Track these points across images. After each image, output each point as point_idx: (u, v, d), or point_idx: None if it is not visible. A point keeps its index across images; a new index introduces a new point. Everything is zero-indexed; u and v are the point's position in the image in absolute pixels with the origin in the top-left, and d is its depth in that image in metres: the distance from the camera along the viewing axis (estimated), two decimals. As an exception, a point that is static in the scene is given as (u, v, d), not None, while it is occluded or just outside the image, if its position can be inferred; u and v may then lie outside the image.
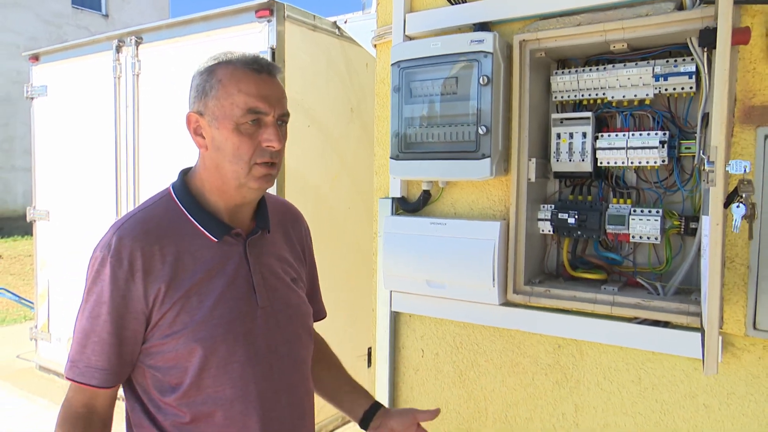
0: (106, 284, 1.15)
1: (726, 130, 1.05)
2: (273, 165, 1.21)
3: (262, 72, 1.20)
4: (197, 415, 1.20)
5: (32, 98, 4.68)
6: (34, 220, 4.75)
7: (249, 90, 1.17)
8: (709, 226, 1.06)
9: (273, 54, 3.19)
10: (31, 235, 4.89)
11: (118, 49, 4.02)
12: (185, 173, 1.30)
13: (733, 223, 1.12)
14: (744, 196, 1.15)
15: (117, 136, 4.07)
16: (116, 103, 4.07)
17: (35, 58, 4.63)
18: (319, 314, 1.55)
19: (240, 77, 1.18)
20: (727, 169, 1.05)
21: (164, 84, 3.80)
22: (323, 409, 3.65)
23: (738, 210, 1.11)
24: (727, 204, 1.16)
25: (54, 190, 4.59)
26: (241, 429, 1.22)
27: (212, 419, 1.20)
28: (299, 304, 1.37)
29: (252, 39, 3.31)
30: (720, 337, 1.42)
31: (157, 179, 3.83)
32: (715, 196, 1.05)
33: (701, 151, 1.60)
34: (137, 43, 3.92)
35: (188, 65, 3.66)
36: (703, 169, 1.06)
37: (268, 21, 3.25)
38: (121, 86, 4.05)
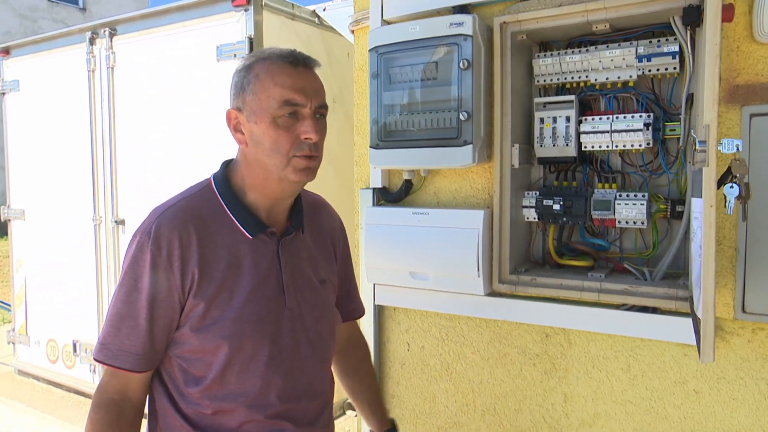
0: (146, 270, 1.16)
1: (717, 107, 1.01)
2: (312, 158, 1.21)
3: (297, 65, 1.20)
4: (219, 410, 1.21)
5: (3, 93, 4.56)
6: (9, 220, 4.64)
7: (284, 82, 1.17)
8: (702, 209, 1.02)
9: (251, 43, 3.12)
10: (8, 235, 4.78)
11: (92, 42, 3.92)
12: (227, 165, 1.30)
13: (727, 204, 1.09)
14: (738, 176, 1.11)
15: (93, 131, 3.98)
16: (91, 97, 3.97)
17: (5, 51, 4.51)
18: (356, 312, 1.57)
19: (275, 70, 1.18)
20: (719, 148, 1.01)
21: (140, 76, 3.71)
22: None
23: (731, 191, 1.07)
24: (719, 185, 1.12)
25: (29, 188, 4.48)
26: (262, 427, 1.23)
27: (233, 415, 1.22)
28: (325, 307, 1.37)
29: (229, 29, 3.24)
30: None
31: (135, 174, 3.74)
32: (708, 177, 1.01)
33: (686, 133, 1.57)
34: (111, 35, 3.82)
35: (164, 57, 3.57)
36: (695, 149, 1.02)
37: (245, 10, 3.17)
38: (95, 79, 3.95)
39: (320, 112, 1.22)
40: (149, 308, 1.17)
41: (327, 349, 1.38)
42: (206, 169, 1.33)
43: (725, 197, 1.12)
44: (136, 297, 1.17)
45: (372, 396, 1.60)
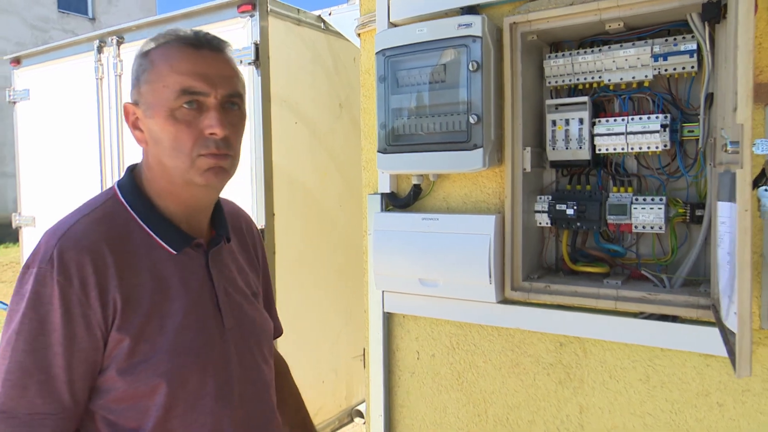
0: (54, 308, 0.93)
1: (751, 105, 0.95)
2: (222, 156, 1.01)
3: (201, 47, 1.01)
4: None
5: (15, 102, 4.57)
6: (20, 227, 4.65)
7: (182, 68, 0.98)
8: (731, 213, 0.96)
9: (257, 49, 3.09)
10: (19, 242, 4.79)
11: (100, 50, 3.91)
12: (133, 169, 1.10)
13: (761, 208, 1.02)
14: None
15: (101, 139, 3.97)
16: (99, 105, 3.96)
17: (17, 61, 4.52)
18: (277, 331, 1.36)
19: (173, 55, 1.00)
20: (753, 149, 0.95)
21: (147, 84, 3.70)
22: (322, 410, 3.56)
23: (766, 194, 1.01)
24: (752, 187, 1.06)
25: (39, 195, 4.48)
26: None
27: None
28: (264, 322, 1.21)
29: (235, 35, 3.21)
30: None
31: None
32: (743, 179, 0.94)
33: (706, 134, 1.51)
34: (119, 43, 3.81)
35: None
36: (726, 150, 0.96)
37: (251, 16, 3.15)
38: (103, 87, 3.94)
39: (231, 101, 1.03)
40: (66, 354, 0.93)
41: (270, 368, 1.21)
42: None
43: (758, 200, 1.06)
44: (45, 343, 0.93)
45: (300, 419, 1.38)
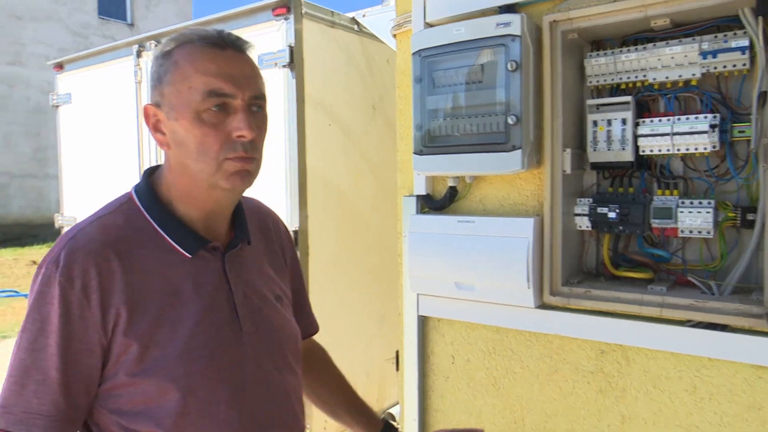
0: (54, 309, 0.93)
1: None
2: (248, 159, 1.00)
3: (225, 48, 0.99)
4: None
5: (57, 106, 4.71)
6: (63, 227, 4.78)
7: (208, 69, 0.96)
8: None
9: (291, 52, 3.11)
10: (60, 242, 4.93)
11: (139, 54, 4.00)
12: (150, 173, 1.10)
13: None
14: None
15: (139, 140, 4.06)
16: (138, 108, 4.05)
17: (59, 66, 4.66)
18: (311, 328, 1.36)
19: (198, 55, 0.98)
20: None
21: (184, 87, 3.75)
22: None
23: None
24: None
25: (80, 196, 4.61)
26: None
27: None
28: (286, 326, 1.18)
29: (270, 38, 3.24)
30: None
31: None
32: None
33: (759, 134, 1.45)
34: (157, 48, 3.89)
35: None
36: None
37: (285, 19, 3.17)
38: (141, 91, 4.03)
39: (256, 103, 1.02)
40: (62, 356, 0.93)
41: (295, 376, 1.18)
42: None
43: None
44: (44, 343, 0.94)
45: (348, 397, 1.37)
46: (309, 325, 1.35)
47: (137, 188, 1.08)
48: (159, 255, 1.01)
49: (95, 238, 0.98)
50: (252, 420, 1.05)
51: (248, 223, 1.17)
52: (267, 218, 1.28)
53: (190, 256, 1.03)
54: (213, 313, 1.03)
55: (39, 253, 11.93)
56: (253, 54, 1.07)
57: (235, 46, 1.01)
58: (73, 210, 4.69)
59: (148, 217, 1.03)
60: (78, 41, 15.10)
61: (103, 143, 4.36)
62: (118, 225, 1.01)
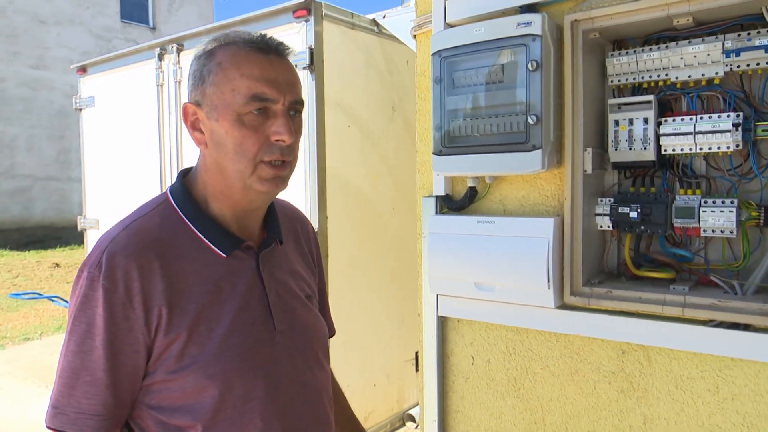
0: (99, 312, 0.96)
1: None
2: (283, 165, 1.03)
3: (269, 52, 1.02)
4: None
5: (80, 109, 4.79)
6: (85, 229, 4.85)
7: (253, 73, 0.99)
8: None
9: (311, 54, 3.14)
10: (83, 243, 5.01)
11: (161, 57, 4.06)
12: (185, 174, 1.13)
13: None
14: None
15: (161, 143, 4.11)
16: (159, 111, 4.11)
17: (83, 70, 4.74)
18: (329, 331, 1.36)
19: (242, 59, 1.00)
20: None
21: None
22: (373, 414, 3.56)
23: None
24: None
25: (103, 198, 4.68)
26: None
27: None
28: (317, 324, 1.21)
29: (290, 39, 3.26)
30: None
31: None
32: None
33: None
34: (179, 50, 3.94)
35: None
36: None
37: (306, 21, 3.20)
38: (163, 94, 4.08)
39: (295, 108, 1.04)
40: (108, 356, 0.97)
41: (326, 374, 1.22)
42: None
43: None
44: (91, 345, 0.97)
45: (349, 419, 1.38)
46: (329, 328, 1.36)
47: (172, 189, 1.10)
48: (196, 255, 1.04)
49: (134, 240, 1.01)
50: (286, 417, 1.07)
51: (280, 222, 1.19)
52: (296, 219, 1.30)
53: (225, 256, 1.06)
54: (247, 312, 1.06)
55: (62, 255, 12.12)
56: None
57: (278, 51, 1.04)
58: (95, 212, 4.76)
59: (184, 218, 1.06)
60: (101, 45, 15.35)
61: (125, 146, 4.43)
62: (155, 226, 1.04)
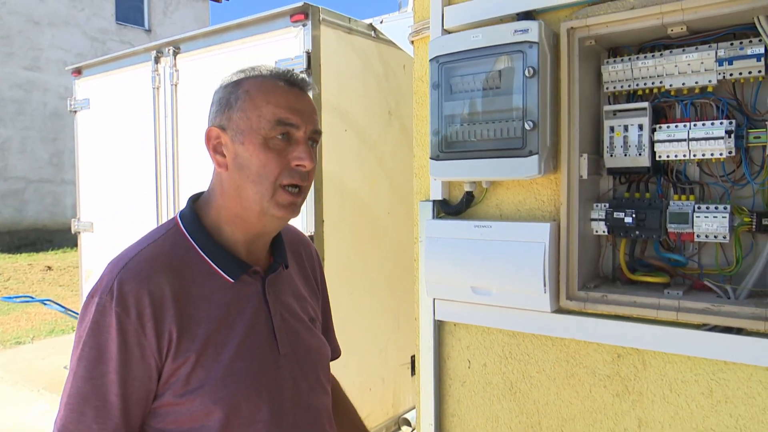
0: (113, 338, 0.98)
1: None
2: (299, 192, 1.09)
3: (294, 85, 1.11)
4: None
5: (75, 111, 4.77)
6: (79, 232, 4.83)
7: (279, 101, 1.07)
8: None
9: (308, 58, 3.15)
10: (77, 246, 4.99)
11: (157, 60, 4.05)
12: (194, 200, 1.17)
13: None
14: None
15: (156, 147, 4.10)
16: (155, 114, 4.10)
17: (78, 72, 4.73)
18: (335, 353, 1.40)
19: (269, 88, 1.08)
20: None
21: (202, 93, 3.80)
22: (369, 418, 3.57)
23: None
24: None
25: (97, 201, 4.66)
26: None
27: None
28: (320, 348, 1.25)
29: (287, 44, 3.28)
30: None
31: (197, 188, 3.82)
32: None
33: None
34: (175, 53, 3.94)
35: (225, 73, 3.64)
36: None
37: (303, 25, 3.21)
38: (159, 97, 4.08)
39: (314, 138, 1.11)
40: (121, 382, 0.99)
41: (327, 395, 1.25)
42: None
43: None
44: (103, 371, 0.99)
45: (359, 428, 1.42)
46: (333, 350, 1.39)
47: (182, 214, 1.14)
48: (204, 280, 1.07)
49: (146, 266, 1.03)
50: None
51: (285, 246, 1.23)
52: (300, 242, 1.35)
53: (233, 281, 1.09)
54: (253, 336, 1.09)
55: (54, 258, 12.05)
56: (273, 60, 1.15)
57: (302, 85, 1.12)
58: (90, 215, 4.74)
59: (194, 243, 1.09)
60: (95, 46, 15.30)
61: (120, 149, 4.41)
62: (166, 252, 1.07)
